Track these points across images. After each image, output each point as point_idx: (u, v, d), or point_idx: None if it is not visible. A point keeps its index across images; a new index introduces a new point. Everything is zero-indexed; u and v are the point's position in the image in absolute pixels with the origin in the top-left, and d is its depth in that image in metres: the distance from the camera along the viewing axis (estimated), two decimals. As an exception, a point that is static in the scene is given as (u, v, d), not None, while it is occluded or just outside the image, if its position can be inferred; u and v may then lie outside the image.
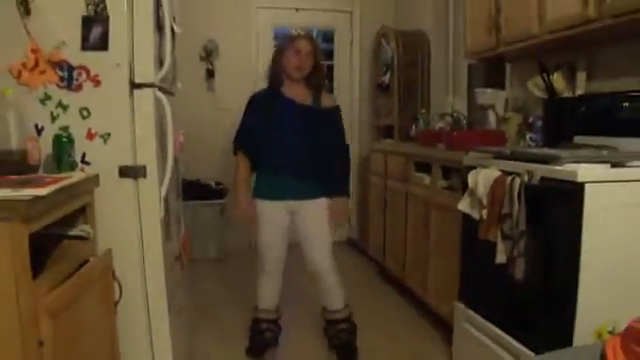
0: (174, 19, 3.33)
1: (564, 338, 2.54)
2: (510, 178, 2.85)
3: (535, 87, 3.87)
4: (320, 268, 3.88)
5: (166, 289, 3.00)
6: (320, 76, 3.90)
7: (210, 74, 6.93)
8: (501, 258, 2.92)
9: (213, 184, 6.68)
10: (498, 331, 3.17)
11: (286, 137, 3.75)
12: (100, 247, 2.69)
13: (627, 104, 3.19)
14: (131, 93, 2.80)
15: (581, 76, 3.65)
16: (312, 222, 3.85)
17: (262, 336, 4.03)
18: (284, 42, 3.83)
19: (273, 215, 3.84)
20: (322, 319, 4.11)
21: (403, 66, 6.38)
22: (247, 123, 3.87)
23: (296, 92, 3.82)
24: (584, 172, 2.50)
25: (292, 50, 3.74)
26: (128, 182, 2.83)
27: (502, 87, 4.76)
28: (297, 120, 3.77)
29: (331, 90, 7.11)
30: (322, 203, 3.85)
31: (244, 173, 3.88)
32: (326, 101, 3.90)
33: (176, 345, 3.19)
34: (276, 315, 4.10)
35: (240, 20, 7.00)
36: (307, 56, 3.74)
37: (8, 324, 1.87)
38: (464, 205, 3.35)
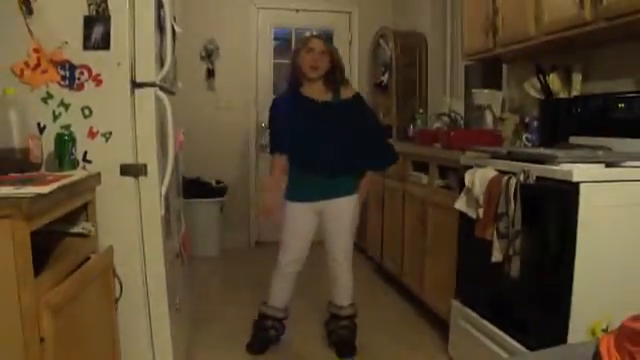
0: (175, 19, 3.35)
1: (558, 336, 2.57)
2: (506, 177, 2.88)
3: (531, 88, 3.90)
4: (339, 264, 3.97)
5: (166, 286, 3.02)
6: (340, 75, 3.91)
7: (210, 74, 6.94)
8: (497, 257, 2.95)
9: (213, 182, 6.69)
10: (494, 328, 3.19)
11: (309, 136, 3.78)
12: (101, 244, 2.70)
13: (622, 105, 3.22)
14: (132, 92, 2.81)
15: (577, 77, 3.67)
16: (336, 220, 3.91)
17: (266, 333, 4.04)
18: (298, 44, 3.89)
19: (301, 218, 3.89)
20: (327, 312, 4.15)
21: (401, 66, 6.41)
22: (277, 126, 3.91)
23: (316, 92, 3.85)
24: (579, 172, 2.53)
25: (305, 50, 3.78)
26: (129, 180, 2.84)
27: (499, 88, 4.78)
28: (319, 118, 3.80)
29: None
30: (349, 201, 3.92)
31: (278, 173, 3.90)
32: (346, 93, 3.92)
33: (176, 342, 3.20)
34: (283, 314, 4.10)
35: (240, 20, 7.01)
36: (321, 55, 3.77)
37: (10, 321, 1.88)
38: (461, 204, 3.38)
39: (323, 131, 3.79)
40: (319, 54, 3.77)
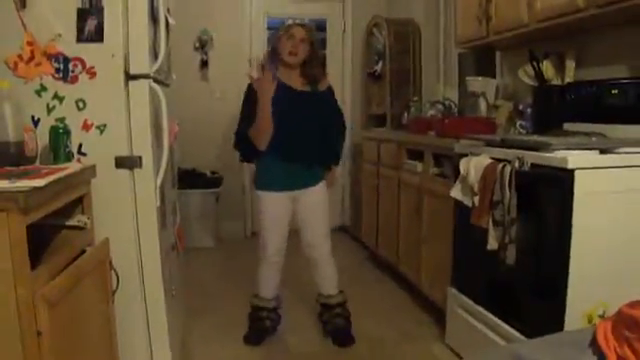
0: (168, 10, 3.34)
1: (555, 322, 2.58)
2: (501, 165, 2.88)
3: (525, 75, 3.90)
4: (318, 253, 3.99)
5: (162, 277, 3.02)
6: (316, 65, 3.92)
7: (204, 64, 6.93)
8: (492, 244, 2.96)
9: (208, 173, 6.69)
10: (490, 316, 3.21)
11: (286, 124, 3.73)
12: (97, 237, 2.71)
13: (615, 91, 3.23)
14: (126, 84, 2.81)
15: (570, 64, 3.67)
16: (313, 209, 3.93)
17: (261, 324, 4.05)
18: (281, 30, 3.84)
19: (276, 207, 3.88)
20: (317, 304, 4.16)
21: (395, 55, 6.40)
22: (247, 113, 3.81)
23: (293, 80, 3.84)
24: (574, 159, 2.54)
25: (286, 36, 3.76)
26: (124, 172, 2.84)
27: (492, 75, 4.78)
28: (295, 106, 3.79)
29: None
30: (323, 188, 3.97)
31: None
32: (322, 85, 3.94)
33: (173, 333, 3.22)
34: (276, 303, 4.12)
35: (234, 10, 6.99)
36: (301, 42, 3.75)
37: (6, 314, 1.89)
38: (456, 192, 3.38)
39: (300, 119, 3.78)
40: (299, 41, 3.75)
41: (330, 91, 4.01)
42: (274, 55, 3.82)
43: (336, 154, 4.09)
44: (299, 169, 3.83)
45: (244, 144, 3.84)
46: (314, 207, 3.93)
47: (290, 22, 3.81)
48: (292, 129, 3.75)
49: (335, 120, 4.05)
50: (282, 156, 3.78)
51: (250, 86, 3.83)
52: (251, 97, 3.77)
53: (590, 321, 2.56)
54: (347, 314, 4.09)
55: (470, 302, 3.46)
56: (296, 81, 3.86)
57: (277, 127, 3.71)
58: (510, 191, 2.81)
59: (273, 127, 3.70)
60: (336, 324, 4.03)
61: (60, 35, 2.72)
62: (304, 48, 3.78)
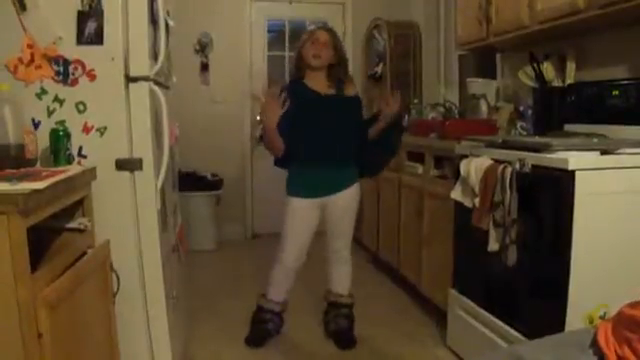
0: (168, 13, 3.34)
1: (556, 323, 2.58)
2: (502, 166, 2.88)
3: (526, 76, 3.90)
4: (339, 256, 4.03)
5: (163, 280, 3.02)
6: (342, 69, 3.90)
7: (205, 67, 6.93)
8: (493, 245, 2.96)
9: (209, 175, 6.68)
10: (491, 317, 3.21)
11: (314, 129, 3.74)
12: (98, 239, 2.70)
13: (616, 92, 3.23)
14: (126, 87, 2.81)
15: (571, 65, 3.67)
16: (341, 214, 3.92)
17: (264, 326, 4.04)
18: (305, 35, 3.87)
19: (304, 215, 3.85)
20: (324, 301, 4.18)
21: (395, 57, 6.42)
22: (282, 116, 3.71)
23: (319, 85, 3.83)
24: (575, 160, 2.54)
25: (310, 41, 3.77)
26: (125, 175, 2.84)
27: (493, 77, 4.79)
28: (322, 110, 3.78)
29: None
30: (352, 192, 3.93)
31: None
32: (348, 91, 3.93)
33: (174, 335, 3.21)
34: (281, 308, 4.10)
35: (234, 13, 7.00)
36: (325, 45, 3.76)
37: (7, 317, 1.89)
38: (457, 194, 3.38)
39: (325, 122, 3.76)
40: (322, 45, 3.75)
41: (358, 99, 4.00)
42: (299, 61, 3.85)
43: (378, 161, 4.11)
44: (328, 173, 3.82)
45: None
46: (343, 213, 3.92)
47: (313, 27, 3.85)
48: (319, 133, 3.75)
49: (361, 130, 3.91)
50: (306, 158, 3.79)
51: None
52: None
53: (591, 322, 2.56)
54: (352, 317, 4.10)
55: (471, 304, 3.46)
56: (322, 85, 3.84)
57: (304, 131, 3.72)
58: (511, 192, 2.81)
59: (297, 130, 3.69)
60: (340, 325, 4.03)
61: (60, 38, 2.72)
62: (328, 51, 3.78)
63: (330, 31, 3.87)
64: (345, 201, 3.90)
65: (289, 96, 3.67)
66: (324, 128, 3.75)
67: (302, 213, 3.85)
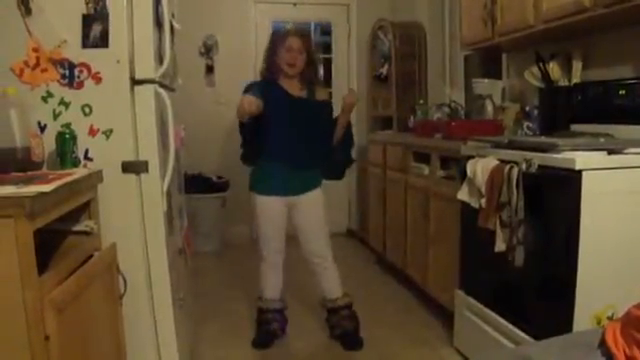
0: (173, 15, 3.35)
1: (563, 324, 2.57)
2: (508, 167, 2.88)
3: (532, 76, 3.89)
4: (320, 261, 4.00)
5: (170, 282, 3.02)
6: (313, 72, 3.98)
7: (210, 69, 6.95)
8: (500, 246, 2.95)
9: (214, 178, 6.69)
10: (498, 318, 3.20)
11: (283, 129, 3.78)
12: (104, 242, 2.71)
13: (623, 91, 3.22)
14: (132, 89, 2.81)
15: (577, 65, 3.66)
16: (309, 215, 3.96)
17: (268, 327, 4.06)
18: (276, 38, 3.92)
19: (272, 209, 3.92)
20: (323, 309, 4.16)
21: (400, 57, 6.40)
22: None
23: (292, 87, 3.89)
24: (582, 159, 2.53)
25: (283, 48, 3.80)
26: (131, 177, 2.85)
27: (499, 77, 4.78)
28: (293, 112, 3.82)
29: (327, 83, 7.20)
30: (318, 194, 3.99)
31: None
32: (320, 94, 4.02)
33: (181, 337, 3.21)
34: (281, 305, 4.14)
35: (239, 15, 7.01)
36: (299, 52, 3.81)
37: (15, 319, 1.89)
38: (463, 194, 3.38)
39: (294, 124, 3.81)
40: (297, 53, 3.80)
41: (329, 105, 4.08)
42: (273, 66, 3.90)
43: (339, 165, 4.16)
44: (294, 174, 3.86)
45: (246, 146, 3.98)
46: (310, 213, 3.96)
47: (285, 29, 3.90)
48: (288, 133, 3.80)
49: (327, 134, 4.00)
50: (277, 160, 3.83)
51: (248, 86, 3.89)
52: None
53: (599, 323, 2.55)
54: (355, 316, 4.09)
55: (478, 304, 3.45)
56: (295, 87, 3.90)
57: (273, 131, 3.77)
58: (517, 192, 2.80)
59: (268, 129, 3.74)
60: (344, 327, 4.02)
61: (65, 41, 2.73)
62: (302, 58, 3.83)
63: (302, 35, 3.91)
64: (311, 202, 3.95)
65: (261, 95, 3.67)
66: (293, 129, 3.80)
67: (271, 209, 3.92)
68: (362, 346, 3.94)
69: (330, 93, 4.10)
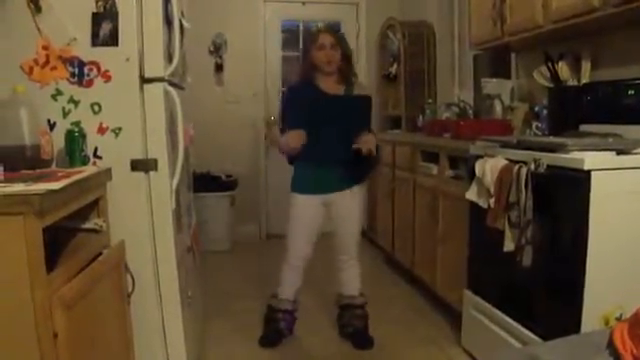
0: (183, 14, 3.35)
1: (571, 324, 2.57)
2: (517, 167, 2.87)
3: (541, 76, 3.88)
4: (345, 255, 4.05)
5: (178, 280, 3.02)
6: (349, 67, 3.95)
7: (219, 68, 6.95)
8: (509, 246, 2.95)
9: (223, 176, 6.70)
10: (506, 318, 3.20)
11: (325, 130, 3.77)
12: (113, 240, 2.72)
13: (632, 91, 3.21)
14: (141, 87, 2.82)
15: (586, 64, 3.65)
16: (346, 213, 3.95)
17: (276, 325, 4.06)
18: (308, 41, 3.96)
19: (309, 212, 3.90)
20: (336, 306, 4.20)
21: (409, 57, 6.41)
22: (290, 115, 3.93)
23: (329, 85, 3.88)
24: (591, 160, 2.53)
25: (316, 46, 3.82)
26: (140, 175, 2.85)
27: (508, 77, 4.77)
28: (334, 113, 3.81)
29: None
30: (356, 192, 3.96)
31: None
32: (358, 90, 3.97)
33: (189, 335, 3.22)
34: (293, 306, 4.12)
35: (248, 14, 7.02)
36: (332, 48, 3.80)
37: (23, 316, 1.89)
38: (471, 194, 3.38)
39: (330, 123, 3.79)
40: (330, 49, 3.79)
41: (367, 101, 4.02)
42: (311, 69, 3.89)
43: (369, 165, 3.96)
44: (332, 173, 3.84)
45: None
46: (347, 212, 3.95)
47: (315, 28, 3.90)
48: (324, 133, 3.78)
49: (363, 125, 3.89)
50: (314, 160, 3.83)
51: (285, 92, 4.06)
52: (289, 103, 3.99)
53: (607, 323, 2.54)
54: (367, 317, 4.10)
55: (486, 304, 3.45)
56: (331, 85, 3.89)
57: (311, 131, 3.74)
58: (526, 192, 2.79)
59: (306, 129, 3.72)
60: (355, 326, 4.04)
61: (75, 39, 2.73)
62: (337, 54, 3.82)
63: (333, 32, 3.93)
64: (349, 200, 3.92)
65: (299, 96, 3.85)
66: (329, 128, 3.78)
67: (306, 209, 3.90)
68: (372, 345, 3.94)
69: (367, 89, 4.15)
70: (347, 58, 3.92)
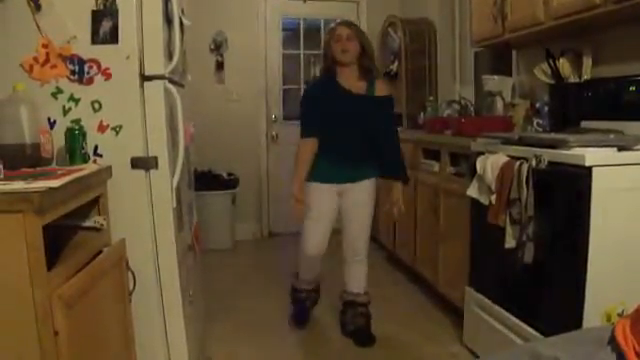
0: (183, 11, 3.35)
1: (573, 321, 2.57)
2: (518, 163, 2.87)
3: (542, 73, 3.88)
4: (355, 253, 4.11)
5: (179, 278, 3.02)
6: (369, 59, 3.97)
7: (220, 66, 6.95)
8: (510, 243, 2.95)
9: (224, 174, 6.69)
10: (508, 315, 3.20)
11: (343, 126, 3.88)
12: (113, 238, 2.71)
13: (633, 88, 3.20)
14: (141, 85, 2.81)
15: (587, 61, 3.64)
16: (356, 204, 4.03)
17: (302, 304, 4.34)
18: (327, 35, 4.01)
19: (322, 197, 3.99)
20: (340, 301, 4.23)
21: (410, 54, 6.39)
22: (310, 113, 3.96)
23: (351, 82, 3.93)
24: (592, 156, 2.53)
25: (334, 40, 3.88)
26: (140, 173, 2.84)
27: (509, 74, 4.77)
28: (353, 110, 3.89)
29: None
30: (368, 185, 4.05)
31: (308, 156, 3.93)
32: (380, 89, 4.01)
33: (190, 334, 3.21)
34: (314, 286, 4.38)
35: (248, 11, 7.02)
36: (349, 38, 3.85)
37: (24, 315, 1.89)
38: (473, 191, 3.37)
39: (351, 122, 3.89)
40: (346, 39, 3.84)
41: (389, 100, 4.07)
42: (329, 61, 3.96)
43: (393, 163, 4.06)
44: (347, 169, 3.97)
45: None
46: (357, 203, 4.03)
47: (333, 24, 3.99)
48: (344, 131, 3.90)
49: (387, 125, 4.04)
50: (332, 154, 3.92)
51: (305, 90, 4.29)
52: (308, 104, 4.02)
53: (609, 320, 2.54)
54: (369, 315, 4.12)
55: (488, 301, 3.45)
56: (354, 82, 3.94)
57: (330, 126, 3.88)
58: (527, 189, 2.79)
59: (326, 126, 3.88)
60: (358, 324, 4.06)
61: (75, 37, 2.73)
62: (354, 44, 3.87)
63: (350, 25, 3.96)
64: (360, 192, 4.01)
65: (321, 93, 3.97)
66: (350, 127, 3.89)
67: (322, 194, 3.98)
68: (374, 342, 3.96)
69: (389, 88, 4.17)
70: (367, 52, 3.95)
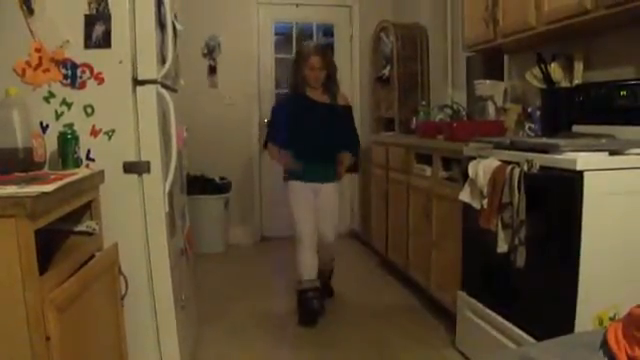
0: (176, 16, 3.35)
1: (565, 325, 2.56)
2: (510, 168, 2.88)
3: (533, 78, 3.88)
4: (325, 239, 4.69)
5: (172, 283, 3.02)
6: (333, 82, 4.71)
7: (212, 70, 6.96)
8: (502, 247, 2.95)
9: (217, 179, 6.69)
10: (500, 319, 3.20)
11: (313, 132, 4.59)
12: (106, 242, 2.70)
13: (624, 92, 3.21)
14: (134, 90, 2.82)
15: (578, 66, 3.65)
16: (327, 200, 4.69)
17: (310, 304, 4.44)
18: (300, 58, 4.67)
19: (302, 192, 4.62)
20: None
21: (402, 59, 6.40)
22: (278, 124, 4.69)
23: (317, 95, 4.66)
24: (583, 160, 2.53)
25: (307, 67, 4.56)
26: (132, 178, 2.85)
27: (501, 78, 4.77)
28: (321, 117, 4.61)
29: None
30: (336, 188, 4.78)
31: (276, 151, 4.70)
32: (341, 100, 4.77)
33: (183, 338, 3.21)
34: (318, 283, 4.58)
35: (241, 16, 7.02)
36: (320, 69, 4.57)
37: (15, 319, 1.89)
38: (465, 195, 3.38)
39: (322, 127, 4.60)
40: (319, 70, 4.57)
41: (348, 109, 4.87)
42: (302, 82, 4.63)
43: (355, 148, 4.90)
44: (318, 167, 4.61)
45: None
46: (329, 199, 4.69)
47: (305, 47, 4.91)
48: (315, 133, 4.59)
49: (348, 135, 4.80)
50: (305, 154, 4.57)
51: (276, 107, 4.96)
52: (277, 114, 4.78)
53: (601, 323, 2.54)
54: (332, 270, 5.03)
55: (480, 305, 3.45)
56: (318, 95, 4.67)
57: (301, 133, 4.58)
58: (519, 193, 2.80)
59: (300, 132, 4.58)
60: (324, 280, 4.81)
61: (68, 41, 2.74)
62: (322, 72, 4.60)
63: (321, 54, 4.65)
64: (330, 191, 4.71)
65: (292, 107, 4.68)
66: (318, 131, 4.60)
67: (301, 190, 4.63)
68: (332, 295, 4.93)
69: (348, 100, 5.02)
70: (331, 76, 4.68)
